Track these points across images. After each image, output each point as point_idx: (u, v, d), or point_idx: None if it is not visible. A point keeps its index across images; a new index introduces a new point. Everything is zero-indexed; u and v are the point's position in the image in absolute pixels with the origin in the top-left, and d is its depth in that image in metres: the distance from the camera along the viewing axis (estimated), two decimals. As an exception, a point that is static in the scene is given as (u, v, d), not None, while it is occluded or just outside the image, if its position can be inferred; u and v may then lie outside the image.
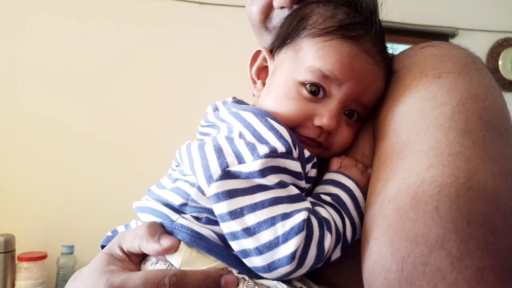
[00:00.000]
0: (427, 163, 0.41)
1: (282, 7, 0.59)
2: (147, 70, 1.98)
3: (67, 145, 1.86)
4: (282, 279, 0.43)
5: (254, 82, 0.59)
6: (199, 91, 1.97)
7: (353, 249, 0.46)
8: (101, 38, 1.93)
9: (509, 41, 2.62)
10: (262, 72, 0.59)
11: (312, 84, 0.51)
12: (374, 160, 0.50)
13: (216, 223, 0.44)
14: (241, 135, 0.46)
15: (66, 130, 1.86)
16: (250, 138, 0.45)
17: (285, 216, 0.42)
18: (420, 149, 0.43)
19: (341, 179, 0.50)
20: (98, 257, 0.48)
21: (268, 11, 0.61)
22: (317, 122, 0.50)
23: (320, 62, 0.50)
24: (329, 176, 0.51)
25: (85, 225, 1.81)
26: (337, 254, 0.45)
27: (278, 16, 0.60)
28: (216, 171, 0.43)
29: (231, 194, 0.42)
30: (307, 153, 0.48)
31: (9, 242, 1.62)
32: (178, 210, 0.47)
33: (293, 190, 0.44)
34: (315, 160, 0.50)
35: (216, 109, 0.54)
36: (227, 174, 0.43)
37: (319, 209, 0.46)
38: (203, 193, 0.45)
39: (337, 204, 0.47)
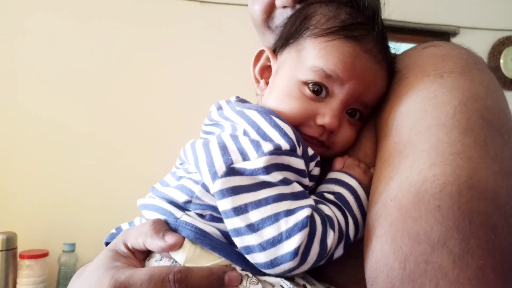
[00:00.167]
0: (429, 162, 0.41)
1: (284, 7, 0.59)
2: (147, 69, 1.98)
3: (68, 144, 1.86)
4: (284, 275, 0.44)
5: (257, 81, 0.60)
6: (199, 91, 1.98)
7: (355, 247, 0.46)
8: (101, 38, 1.93)
9: (510, 39, 2.62)
10: (265, 72, 0.59)
11: (315, 84, 0.51)
12: (376, 159, 0.50)
13: (220, 220, 0.45)
14: (245, 133, 0.46)
15: (67, 128, 1.86)
16: (254, 135, 0.46)
17: (289, 212, 0.42)
18: (422, 148, 0.43)
19: (344, 178, 0.50)
20: (103, 254, 0.48)
21: (270, 10, 0.61)
22: (320, 121, 0.51)
23: (322, 62, 0.50)
24: (333, 175, 0.52)
25: (86, 223, 1.82)
26: (339, 252, 0.46)
27: (281, 15, 0.60)
28: (221, 168, 0.43)
29: (235, 190, 0.42)
30: (310, 152, 0.49)
31: (10, 240, 1.63)
32: (182, 208, 0.48)
33: (296, 187, 0.45)
34: (318, 158, 0.50)
35: (220, 108, 0.54)
36: (231, 171, 0.43)
37: (322, 207, 0.46)
38: (207, 190, 0.45)
39: (340, 203, 0.48)
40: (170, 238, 0.44)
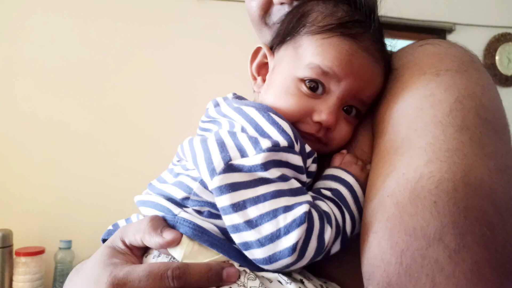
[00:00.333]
0: (426, 158, 0.42)
1: (282, 3, 0.59)
2: (144, 67, 1.97)
3: (64, 142, 1.85)
4: (282, 271, 0.44)
5: (255, 79, 0.60)
6: (196, 88, 1.97)
7: (351, 243, 0.47)
8: (98, 36, 1.92)
9: (506, 36, 2.63)
10: (262, 69, 0.60)
11: (311, 81, 0.51)
12: (373, 156, 0.50)
13: (218, 216, 0.45)
14: (243, 130, 0.47)
15: (63, 126, 1.86)
16: (252, 132, 0.46)
17: (287, 208, 0.42)
18: (418, 145, 0.43)
19: (341, 174, 0.51)
20: (100, 251, 0.48)
21: (267, 6, 0.61)
22: (316, 117, 0.51)
23: (319, 59, 0.50)
24: (330, 171, 0.52)
25: (82, 220, 1.82)
26: (336, 247, 0.46)
27: (278, 11, 0.60)
28: (219, 164, 0.43)
29: (233, 187, 0.43)
30: (308, 148, 0.49)
31: (6, 237, 1.62)
32: (180, 204, 0.48)
33: (294, 184, 0.45)
34: (315, 155, 0.51)
35: (217, 104, 0.54)
36: (230, 168, 0.43)
37: (320, 203, 0.46)
38: (205, 187, 0.45)
39: (337, 199, 0.48)
40: (168, 235, 0.44)
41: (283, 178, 0.44)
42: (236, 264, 0.45)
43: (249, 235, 0.42)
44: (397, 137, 0.46)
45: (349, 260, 0.48)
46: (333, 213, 0.46)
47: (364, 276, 0.42)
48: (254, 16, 0.64)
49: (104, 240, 0.54)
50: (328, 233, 0.44)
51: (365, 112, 0.55)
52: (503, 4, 2.64)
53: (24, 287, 1.59)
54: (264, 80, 0.58)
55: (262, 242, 0.41)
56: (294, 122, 0.50)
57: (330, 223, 0.45)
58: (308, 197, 0.45)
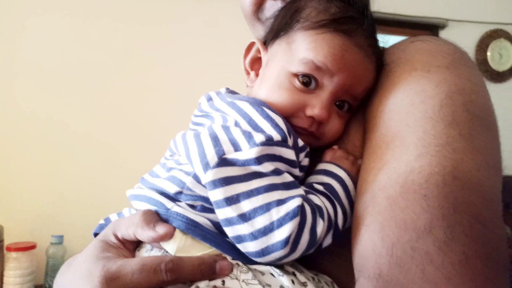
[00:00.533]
0: (416, 153, 0.42)
1: None
2: (142, 67, 1.97)
3: (56, 137, 1.85)
4: (274, 263, 0.44)
5: (248, 73, 0.60)
6: (196, 87, 1.94)
7: (343, 237, 0.47)
8: (97, 36, 1.92)
9: (498, 32, 2.65)
10: (256, 64, 0.60)
11: (305, 75, 0.52)
12: (364, 151, 0.51)
13: (211, 211, 0.45)
14: (236, 124, 0.47)
15: (56, 123, 1.85)
16: (246, 126, 0.46)
17: (280, 202, 0.43)
18: (409, 140, 0.44)
19: (333, 169, 0.51)
20: (93, 245, 0.48)
21: (260, 2, 0.61)
22: (309, 112, 0.51)
23: (312, 54, 0.51)
24: (322, 166, 0.53)
25: (74, 215, 1.81)
26: (328, 241, 0.47)
27: (271, 7, 0.60)
28: (212, 158, 0.43)
29: (227, 181, 0.43)
30: (301, 143, 0.49)
31: (-3, 232, 1.61)
32: (173, 198, 0.48)
33: (287, 178, 0.45)
34: (308, 149, 0.51)
35: (210, 99, 0.54)
36: (223, 162, 0.43)
37: (312, 197, 0.47)
38: (198, 181, 0.46)
39: (329, 193, 0.49)
40: (161, 229, 0.44)
41: (276, 172, 0.45)
42: (229, 258, 0.45)
43: (242, 229, 0.42)
44: (389, 132, 0.47)
45: (341, 253, 0.48)
46: (325, 207, 0.47)
47: (355, 268, 0.42)
48: (247, 11, 0.64)
49: (95, 234, 0.54)
50: (320, 227, 0.44)
51: (357, 107, 0.56)
52: (496, 0, 2.66)
53: (15, 282, 1.58)
54: (257, 75, 0.58)
55: (255, 235, 0.42)
56: (287, 117, 0.50)
57: (322, 216, 0.45)
58: (301, 191, 0.46)
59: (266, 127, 0.45)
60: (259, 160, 0.43)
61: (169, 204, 0.47)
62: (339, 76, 0.51)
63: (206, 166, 0.43)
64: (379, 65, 0.55)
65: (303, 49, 0.52)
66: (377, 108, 0.51)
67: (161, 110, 1.98)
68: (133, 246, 0.48)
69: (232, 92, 0.56)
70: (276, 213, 0.42)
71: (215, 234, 0.45)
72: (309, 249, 0.44)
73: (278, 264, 0.46)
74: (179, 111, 1.89)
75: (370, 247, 0.40)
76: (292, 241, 0.42)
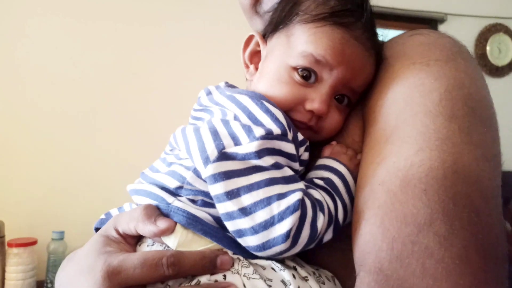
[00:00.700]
0: (416, 147, 0.42)
1: None
2: (142, 61, 1.96)
3: (56, 132, 1.84)
4: (275, 257, 0.45)
5: (247, 67, 0.60)
6: (194, 81, 1.95)
7: (343, 232, 0.48)
8: (95, 33, 1.91)
9: (497, 26, 2.65)
10: (255, 57, 0.60)
11: (304, 69, 0.51)
12: (364, 145, 0.51)
13: (211, 205, 0.45)
14: (236, 118, 0.47)
15: (55, 117, 1.84)
16: (245, 120, 0.46)
17: (281, 196, 0.43)
18: (408, 134, 0.44)
19: (333, 164, 0.51)
20: (94, 239, 0.48)
21: None
22: (309, 106, 0.51)
23: (312, 47, 0.51)
24: (322, 161, 0.53)
25: (75, 211, 1.81)
26: (329, 235, 0.47)
27: (269, 0, 0.60)
28: (212, 152, 0.44)
29: (227, 175, 0.43)
30: (300, 137, 0.49)
31: (-2, 228, 1.61)
32: (174, 193, 0.48)
33: (287, 172, 0.46)
34: (307, 143, 0.51)
35: (209, 93, 0.54)
36: (223, 156, 0.43)
37: (312, 192, 0.47)
38: (198, 176, 0.46)
39: (330, 188, 0.49)
40: (162, 223, 0.44)
41: (276, 166, 0.45)
42: (229, 252, 0.45)
43: (243, 223, 0.42)
44: (388, 126, 0.47)
45: (342, 248, 0.49)
46: (326, 201, 0.47)
47: (356, 262, 0.42)
48: (245, 5, 0.64)
49: (96, 229, 0.54)
50: (321, 221, 0.44)
51: (356, 101, 0.56)
52: (495, -6, 2.65)
53: (16, 278, 1.58)
54: (256, 68, 0.58)
55: (256, 229, 0.42)
56: (286, 111, 0.50)
57: (322, 211, 0.45)
58: (301, 185, 0.46)
59: (265, 120, 0.45)
60: (259, 154, 0.43)
61: (169, 198, 0.47)
62: (339, 70, 0.51)
63: (206, 161, 0.43)
64: (379, 59, 0.55)
65: (302, 42, 0.52)
66: (376, 103, 0.51)
67: (161, 105, 1.98)
68: (134, 240, 0.49)
69: (232, 86, 0.56)
70: (277, 207, 0.42)
71: (216, 229, 0.45)
72: (309, 243, 0.44)
73: (279, 259, 0.46)
74: (179, 105, 1.88)
75: (371, 242, 0.40)
76: (293, 235, 0.42)
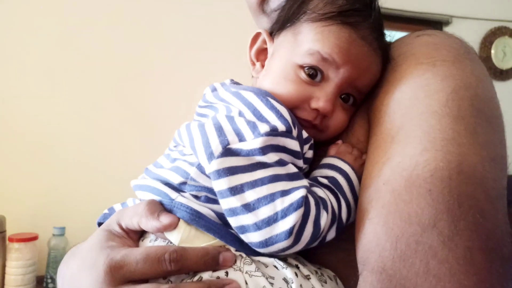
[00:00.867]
0: (421, 147, 0.42)
1: None
2: (146, 56, 1.96)
3: (58, 127, 1.84)
4: (277, 254, 0.44)
5: (253, 64, 0.60)
6: (198, 78, 1.96)
7: (347, 231, 0.47)
8: (95, 30, 1.91)
9: (502, 30, 2.64)
10: (261, 54, 0.60)
11: (310, 67, 0.51)
12: (369, 145, 0.51)
13: (215, 201, 0.45)
14: (240, 114, 0.47)
15: (57, 112, 1.84)
16: (250, 116, 0.46)
17: (284, 193, 0.43)
18: (414, 134, 0.44)
19: (337, 163, 0.51)
20: (97, 234, 0.48)
21: None
22: (314, 104, 0.51)
23: (319, 45, 0.51)
24: (326, 160, 0.53)
25: (76, 207, 1.81)
26: (332, 234, 0.47)
27: None
28: (217, 148, 0.44)
29: (231, 171, 0.43)
30: (305, 134, 0.49)
31: (0, 223, 1.61)
32: (177, 189, 0.48)
33: (292, 169, 0.45)
34: (312, 141, 0.51)
35: (214, 89, 0.54)
36: (228, 152, 0.43)
37: (316, 189, 0.47)
38: (202, 171, 0.46)
39: (334, 186, 0.49)
40: (165, 219, 0.44)
41: (280, 163, 0.45)
42: (232, 249, 0.45)
43: (246, 219, 0.42)
44: (393, 126, 0.47)
45: (344, 247, 0.48)
46: (329, 199, 0.47)
47: (359, 261, 0.42)
48: (252, 3, 0.64)
49: (99, 224, 0.54)
50: (324, 219, 0.44)
51: (361, 100, 0.56)
52: (500, -3, 2.64)
53: (17, 273, 1.59)
54: (262, 66, 0.58)
55: (259, 226, 0.42)
56: (291, 108, 0.50)
57: (326, 209, 0.45)
58: (305, 182, 0.46)
59: (270, 117, 0.45)
60: (264, 150, 0.43)
61: (173, 194, 0.47)
62: (345, 69, 0.51)
63: (210, 156, 0.43)
64: (385, 59, 0.54)
65: (309, 40, 0.51)
66: (382, 102, 0.51)
67: (163, 101, 1.97)
68: (137, 236, 0.49)
69: (237, 83, 0.56)
70: (281, 204, 0.42)
71: (219, 225, 0.45)
72: (312, 241, 0.44)
73: (281, 256, 0.46)
74: (182, 102, 1.89)
75: (374, 241, 0.40)
76: (296, 232, 0.42)
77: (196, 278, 0.43)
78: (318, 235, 0.44)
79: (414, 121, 0.45)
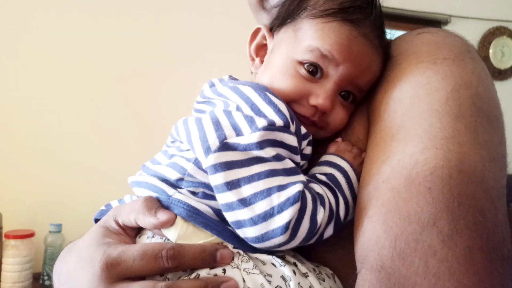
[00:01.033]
0: (421, 145, 0.42)
1: None
2: (144, 52, 1.96)
3: (55, 124, 1.84)
4: (274, 250, 0.44)
5: (253, 59, 0.60)
6: (196, 74, 1.96)
7: (345, 229, 0.47)
8: (94, 27, 1.90)
9: (500, 29, 2.65)
10: (261, 50, 0.59)
11: (310, 64, 0.51)
12: (368, 143, 0.50)
13: (212, 197, 0.45)
14: (238, 108, 0.46)
15: (53, 110, 1.84)
16: (248, 111, 0.46)
17: (281, 187, 0.42)
18: (414, 133, 0.44)
19: (336, 160, 0.51)
20: (93, 230, 0.48)
21: None
22: (313, 101, 0.51)
23: (319, 42, 0.50)
24: (325, 158, 0.52)
25: (73, 204, 1.81)
26: (329, 231, 0.46)
27: None
28: (214, 142, 0.43)
29: (228, 165, 0.42)
30: (303, 130, 0.49)
31: (-4, 220, 1.61)
32: (175, 185, 0.47)
33: (289, 164, 0.45)
34: (310, 137, 0.51)
35: (212, 85, 0.54)
36: (225, 146, 0.43)
37: (314, 186, 0.47)
38: (199, 167, 0.45)
39: (332, 183, 0.48)
40: (162, 215, 0.44)
41: (277, 158, 0.44)
42: (230, 246, 0.45)
43: (242, 214, 0.42)
44: (393, 124, 0.46)
45: (342, 245, 0.48)
46: (327, 196, 0.46)
47: (358, 260, 0.42)
48: (252, 0, 0.63)
49: (96, 220, 0.54)
50: (321, 214, 0.44)
51: (361, 98, 0.55)
52: (499, -3, 2.65)
53: (13, 270, 1.58)
54: (262, 62, 0.58)
55: (255, 221, 0.42)
56: (289, 102, 0.50)
57: (323, 205, 0.45)
58: (302, 177, 0.45)
59: (268, 112, 0.45)
60: (261, 145, 0.43)
61: (170, 191, 0.47)
62: (345, 66, 0.51)
63: (207, 150, 0.43)
64: (385, 57, 0.54)
65: (310, 37, 0.51)
66: (382, 100, 0.50)
67: (160, 98, 1.97)
68: (134, 232, 0.48)
69: (236, 79, 0.55)
70: (277, 198, 0.42)
71: (216, 222, 0.45)
72: (309, 237, 0.43)
73: (278, 253, 0.46)
74: (179, 98, 1.89)
75: (373, 239, 0.40)
76: (292, 227, 0.42)
77: (193, 275, 0.42)
78: (315, 231, 0.44)
79: (414, 119, 0.45)
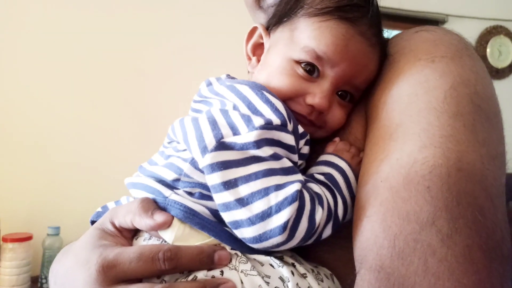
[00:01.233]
0: (420, 144, 0.42)
1: None
2: (142, 53, 1.95)
3: (52, 126, 1.83)
4: (271, 250, 0.44)
5: (249, 59, 0.59)
6: (194, 74, 1.95)
7: (344, 229, 0.47)
8: (92, 25, 1.90)
9: (497, 29, 2.65)
10: (258, 49, 0.59)
11: (308, 63, 0.51)
12: (367, 142, 0.50)
13: (209, 198, 0.45)
14: (235, 107, 0.46)
15: (50, 111, 1.83)
16: (244, 110, 0.45)
17: (279, 187, 0.42)
18: (412, 131, 0.43)
19: (334, 160, 0.51)
20: (89, 232, 0.47)
21: None
22: (309, 100, 0.51)
23: (314, 43, 0.50)
24: (324, 157, 0.52)
25: (71, 207, 1.80)
26: (328, 231, 0.46)
27: None
28: (210, 142, 0.43)
29: (225, 165, 0.42)
30: (301, 129, 0.49)
31: (-7, 223, 1.60)
32: (171, 186, 0.47)
33: (286, 163, 0.45)
34: (308, 137, 0.50)
35: (209, 84, 0.54)
36: (221, 145, 0.43)
37: (312, 185, 0.46)
38: (196, 167, 0.45)
39: (330, 183, 0.48)
40: (159, 217, 0.44)
41: (275, 157, 0.44)
42: (227, 247, 0.44)
43: (240, 214, 0.41)
44: (391, 123, 0.46)
45: (341, 245, 0.48)
46: (325, 195, 0.46)
47: (356, 259, 0.42)
48: None
49: (92, 222, 0.53)
50: (319, 214, 0.44)
51: (359, 97, 0.55)
52: (496, -4, 2.65)
53: (11, 273, 1.57)
54: (258, 61, 0.57)
55: (253, 221, 0.41)
56: (285, 100, 0.50)
57: (321, 204, 0.44)
58: (299, 176, 0.45)
59: (265, 111, 0.45)
60: (258, 144, 0.43)
61: (166, 192, 0.46)
62: (341, 66, 0.50)
63: (204, 150, 0.43)
64: (383, 55, 0.54)
65: (306, 37, 0.51)
66: (380, 99, 0.50)
67: (157, 99, 1.97)
68: (130, 234, 0.48)
69: (233, 78, 0.55)
70: (275, 198, 0.41)
71: (213, 223, 0.45)
72: (307, 237, 0.43)
73: (276, 254, 0.45)
74: (176, 99, 1.89)
75: (372, 239, 0.40)
76: (290, 227, 0.41)
77: (190, 277, 0.42)
78: (313, 231, 0.43)
79: (412, 118, 0.44)
